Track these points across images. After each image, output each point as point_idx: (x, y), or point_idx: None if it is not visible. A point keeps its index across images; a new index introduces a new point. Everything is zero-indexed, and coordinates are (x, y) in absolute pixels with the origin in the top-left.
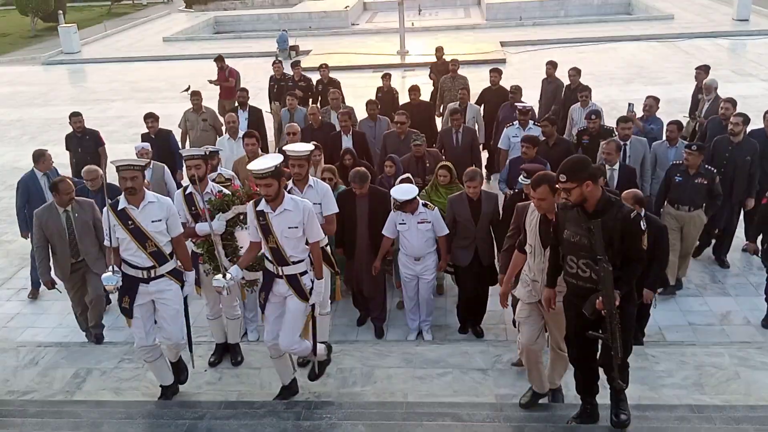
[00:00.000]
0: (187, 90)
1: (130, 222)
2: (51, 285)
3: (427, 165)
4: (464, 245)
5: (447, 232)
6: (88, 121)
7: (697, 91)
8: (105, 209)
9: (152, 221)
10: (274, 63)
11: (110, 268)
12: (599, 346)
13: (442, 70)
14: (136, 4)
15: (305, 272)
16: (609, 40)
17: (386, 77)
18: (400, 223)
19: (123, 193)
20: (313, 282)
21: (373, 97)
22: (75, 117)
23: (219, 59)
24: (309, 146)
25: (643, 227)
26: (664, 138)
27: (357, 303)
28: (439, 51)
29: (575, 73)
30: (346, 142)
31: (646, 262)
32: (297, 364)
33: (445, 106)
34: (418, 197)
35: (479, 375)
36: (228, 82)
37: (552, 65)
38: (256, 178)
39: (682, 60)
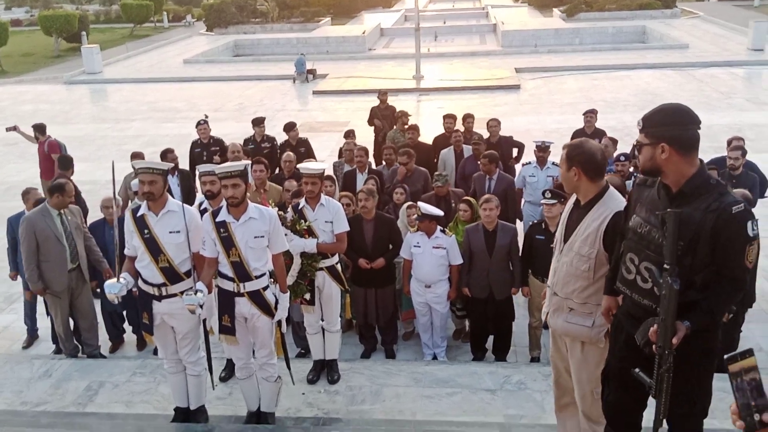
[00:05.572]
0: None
1: (146, 231)
2: (44, 291)
3: (453, 204)
4: (479, 277)
5: (461, 261)
6: (107, 138)
7: (581, 134)
8: (126, 213)
9: (170, 232)
10: (199, 124)
11: (120, 276)
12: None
13: (387, 115)
14: (158, 26)
15: (267, 287)
16: (623, 68)
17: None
18: (414, 246)
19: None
20: (276, 297)
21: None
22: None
23: (38, 127)
24: (323, 164)
25: (751, 232)
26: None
27: (363, 338)
28: (383, 95)
29: (495, 124)
30: (362, 180)
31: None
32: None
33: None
34: (439, 224)
35: (488, 395)
36: (54, 156)
37: (451, 118)
38: (221, 178)
39: (697, 88)
